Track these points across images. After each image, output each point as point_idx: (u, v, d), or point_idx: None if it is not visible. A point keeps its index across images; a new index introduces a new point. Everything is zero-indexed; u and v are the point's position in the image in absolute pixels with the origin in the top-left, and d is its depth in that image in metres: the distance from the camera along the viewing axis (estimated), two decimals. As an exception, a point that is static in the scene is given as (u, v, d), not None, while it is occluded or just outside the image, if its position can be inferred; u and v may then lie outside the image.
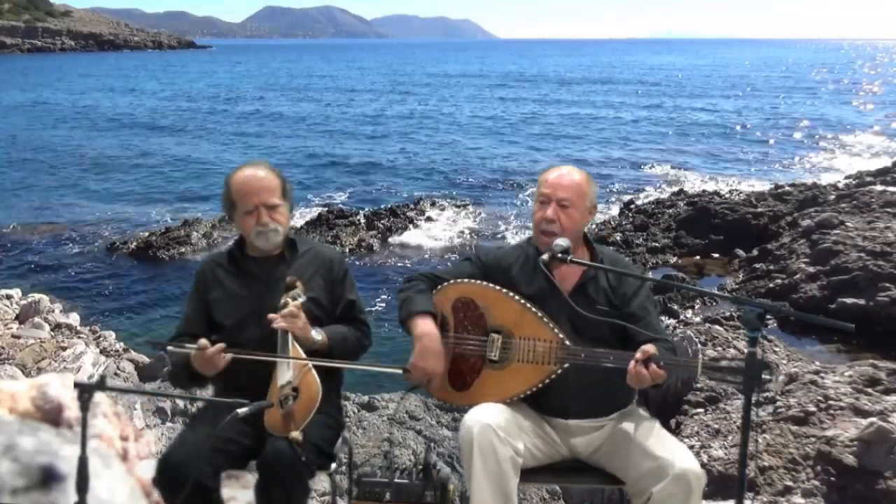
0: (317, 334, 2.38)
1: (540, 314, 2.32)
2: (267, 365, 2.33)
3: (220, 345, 2.27)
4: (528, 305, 2.34)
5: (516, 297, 2.36)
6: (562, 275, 2.40)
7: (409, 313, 2.36)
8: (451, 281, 2.46)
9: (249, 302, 2.46)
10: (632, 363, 2.11)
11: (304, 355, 2.30)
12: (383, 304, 8.72)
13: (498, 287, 2.40)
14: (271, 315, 2.31)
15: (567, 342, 2.27)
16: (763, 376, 1.91)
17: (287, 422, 2.16)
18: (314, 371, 2.28)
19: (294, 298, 2.34)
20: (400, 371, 2.37)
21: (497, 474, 2.13)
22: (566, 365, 2.27)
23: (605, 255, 2.48)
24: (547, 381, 2.29)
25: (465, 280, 2.45)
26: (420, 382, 2.37)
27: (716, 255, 10.31)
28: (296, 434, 2.12)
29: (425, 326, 2.33)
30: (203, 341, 2.27)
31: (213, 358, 2.25)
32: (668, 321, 7.62)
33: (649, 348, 2.12)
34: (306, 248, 2.59)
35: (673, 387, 4.41)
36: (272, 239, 2.45)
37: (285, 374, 2.25)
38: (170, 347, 2.37)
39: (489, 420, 2.16)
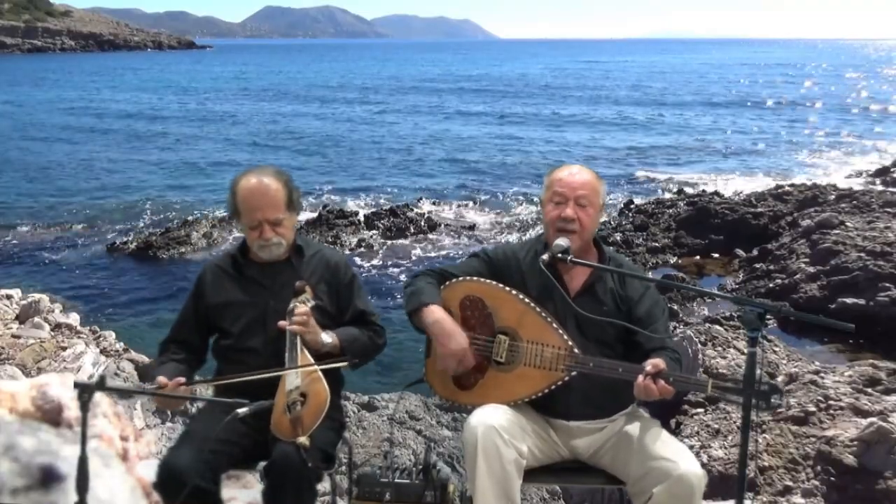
0: (327, 337, 2.36)
1: (549, 319, 2.30)
2: (270, 367, 2.31)
3: (180, 378, 2.28)
4: (538, 309, 2.31)
5: (525, 300, 2.33)
6: (570, 275, 2.39)
7: (419, 304, 2.34)
8: (461, 278, 2.44)
9: (253, 308, 2.45)
10: (641, 377, 2.09)
11: (312, 360, 2.28)
12: (383, 305, 8.72)
13: (507, 288, 2.37)
14: (281, 323, 2.30)
15: (576, 350, 2.25)
16: (772, 400, 1.89)
17: (295, 427, 2.14)
18: (323, 376, 2.26)
19: (304, 303, 2.33)
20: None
21: (501, 476, 2.12)
22: (573, 373, 2.25)
23: (610, 257, 2.46)
24: (553, 387, 2.28)
25: (475, 278, 2.43)
26: (454, 368, 2.33)
27: (716, 255, 10.32)
28: (303, 439, 2.10)
29: (436, 313, 2.31)
30: (161, 379, 2.27)
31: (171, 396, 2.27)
32: (668, 322, 7.61)
33: (660, 363, 2.09)
34: (312, 252, 2.56)
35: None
36: (275, 252, 2.44)
37: (293, 379, 2.22)
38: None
39: (493, 422, 2.15)
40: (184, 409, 2.39)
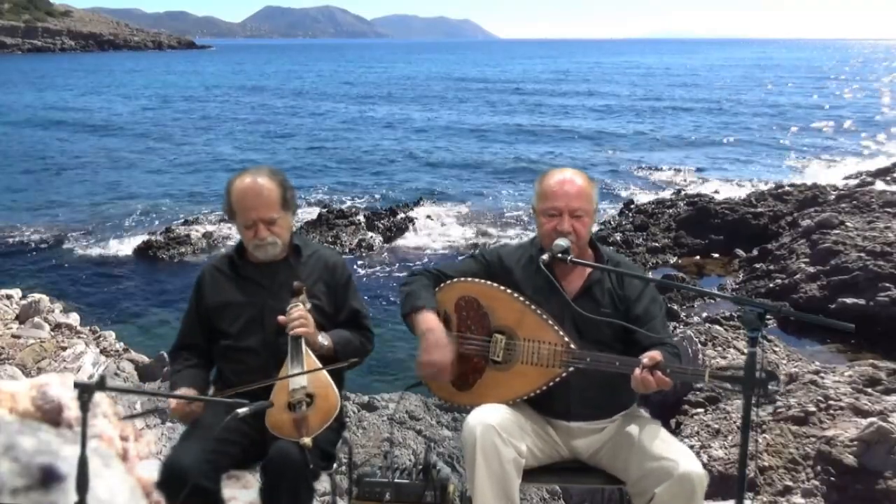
0: (323, 339, 2.37)
1: (545, 316, 2.30)
2: (269, 367, 2.32)
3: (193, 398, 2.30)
4: (533, 307, 2.32)
5: (521, 298, 2.34)
6: (567, 276, 2.38)
7: (413, 308, 2.35)
8: (455, 279, 2.45)
9: (251, 308, 2.45)
10: (637, 369, 2.09)
11: (317, 362, 2.28)
12: (384, 305, 8.72)
13: (502, 287, 2.38)
14: (281, 318, 2.31)
15: (572, 346, 2.25)
16: (769, 387, 1.89)
17: (299, 427, 2.14)
18: (331, 379, 2.26)
19: (302, 304, 2.33)
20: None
21: (500, 475, 2.12)
22: (570, 369, 2.25)
23: (608, 257, 2.45)
24: (551, 384, 2.28)
25: (470, 279, 2.43)
26: (430, 378, 2.37)
27: (716, 255, 10.31)
28: (307, 440, 2.10)
29: (429, 321, 2.32)
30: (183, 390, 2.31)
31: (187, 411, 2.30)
32: (668, 321, 7.60)
33: (656, 355, 2.10)
34: (310, 252, 2.57)
35: (673, 387, 4.41)
36: (270, 252, 2.44)
37: (299, 378, 2.22)
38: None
39: (492, 421, 2.15)
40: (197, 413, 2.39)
